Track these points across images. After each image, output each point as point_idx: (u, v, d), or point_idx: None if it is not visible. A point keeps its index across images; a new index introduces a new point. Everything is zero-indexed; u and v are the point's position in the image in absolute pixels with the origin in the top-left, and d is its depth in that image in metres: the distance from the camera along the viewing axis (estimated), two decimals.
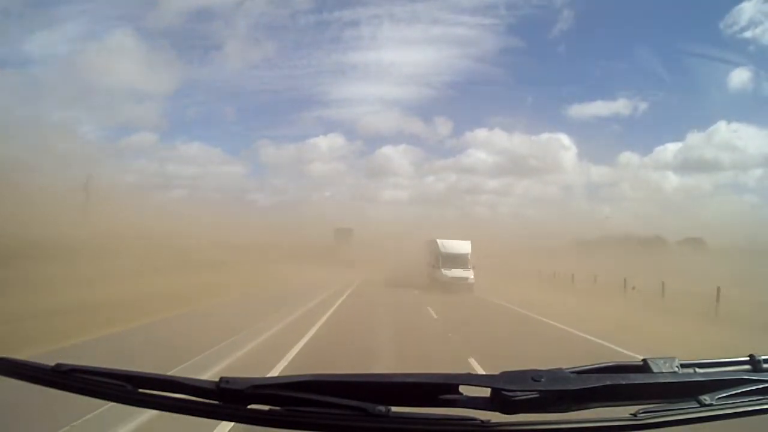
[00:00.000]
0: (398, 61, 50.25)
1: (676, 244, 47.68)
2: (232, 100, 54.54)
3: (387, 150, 56.21)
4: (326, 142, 52.99)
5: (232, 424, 3.01)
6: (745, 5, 36.21)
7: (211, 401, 1.14)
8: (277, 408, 1.12)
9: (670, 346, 9.98)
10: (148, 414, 4.14)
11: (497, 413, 1.10)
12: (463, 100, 52.69)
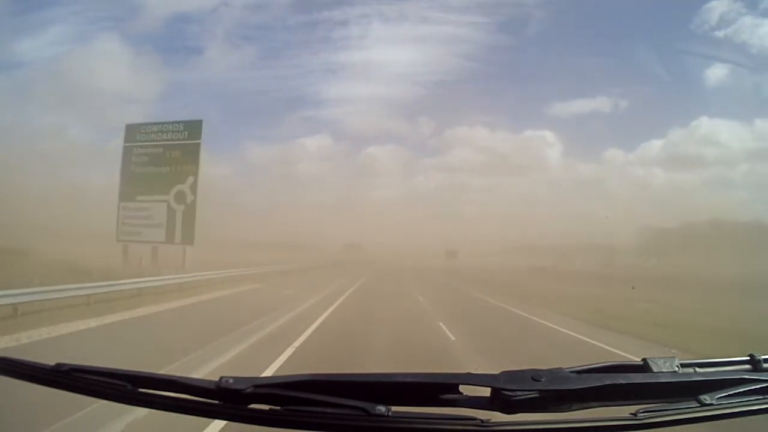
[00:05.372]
0: (387, 60, 49.89)
1: None
2: (219, 102, 53.04)
3: (375, 149, 54.86)
4: (314, 143, 50.49)
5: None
6: (721, 1, 34.93)
7: (211, 401, 1.14)
8: (278, 408, 1.12)
9: None
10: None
11: (497, 413, 1.10)
12: (453, 98, 51.85)
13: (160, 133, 22.93)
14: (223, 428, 4.03)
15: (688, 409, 1.14)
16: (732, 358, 1.35)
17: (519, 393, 1.08)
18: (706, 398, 1.15)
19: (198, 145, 22.56)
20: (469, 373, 1.16)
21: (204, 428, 3.98)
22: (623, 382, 1.14)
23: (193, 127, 22.77)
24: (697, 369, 1.27)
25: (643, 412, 1.13)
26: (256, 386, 1.12)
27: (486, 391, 1.12)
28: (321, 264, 39.67)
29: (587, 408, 1.13)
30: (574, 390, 1.10)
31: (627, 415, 1.12)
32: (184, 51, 50.11)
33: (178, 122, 23.02)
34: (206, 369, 7.01)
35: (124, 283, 15.31)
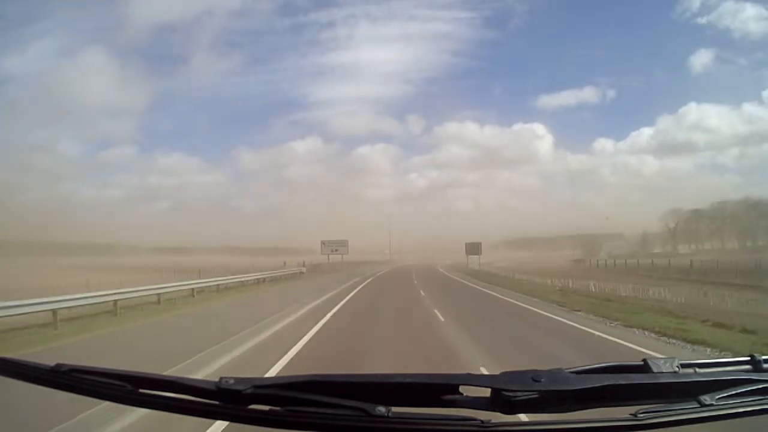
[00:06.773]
0: (376, 59, 50.43)
1: None
2: (208, 110, 52.18)
3: (367, 149, 54.77)
4: (304, 145, 49.66)
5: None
6: None
7: (211, 401, 1.14)
8: (278, 408, 1.12)
9: None
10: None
11: (497, 413, 1.10)
12: (442, 95, 51.83)
13: None
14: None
15: (688, 409, 1.14)
16: (732, 359, 1.35)
17: (519, 393, 1.08)
18: (706, 399, 1.14)
19: None
20: (469, 374, 1.16)
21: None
22: (623, 382, 1.14)
23: None
24: (698, 369, 1.27)
25: (643, 413, 1.13)
26: (257, 387, 1.12)
27: (486, 392, 1.12)
28: (284, 274, 32.33)
29: (587, 408, 1.13)
30: (574, 390, 1.10)
31: (627, 415, 1.12)
32: (172, 60, 50.29)
33: None
34: None
35: None
